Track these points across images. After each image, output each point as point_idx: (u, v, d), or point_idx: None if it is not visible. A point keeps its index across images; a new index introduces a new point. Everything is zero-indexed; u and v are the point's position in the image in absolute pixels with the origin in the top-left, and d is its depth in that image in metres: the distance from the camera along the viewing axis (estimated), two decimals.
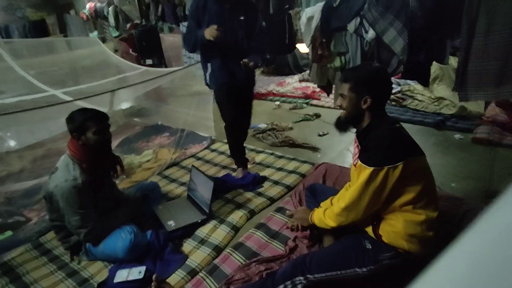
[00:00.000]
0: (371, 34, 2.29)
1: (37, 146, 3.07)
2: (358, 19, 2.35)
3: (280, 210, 2.08)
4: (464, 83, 2.11)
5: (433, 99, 3.69)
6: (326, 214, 1.49)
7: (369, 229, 1.39)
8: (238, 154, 2.58)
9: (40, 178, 2.61)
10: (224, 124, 2.49)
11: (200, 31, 2.10)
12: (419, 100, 3.74)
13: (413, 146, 1.31)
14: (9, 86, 4.08)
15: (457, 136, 2.89)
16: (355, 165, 1.41)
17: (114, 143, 3.27)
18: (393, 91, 4.11)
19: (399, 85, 4.27)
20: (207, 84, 2.36)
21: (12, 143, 2.73)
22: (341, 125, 1.44)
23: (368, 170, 1.26)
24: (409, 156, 1.25)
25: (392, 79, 4.27)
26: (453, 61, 3.39)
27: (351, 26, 2.41)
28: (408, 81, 4.11)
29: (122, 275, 1.63)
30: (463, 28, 2.01)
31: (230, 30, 2.12)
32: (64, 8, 11.92)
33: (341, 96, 1.38)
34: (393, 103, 3.77)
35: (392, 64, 2.32)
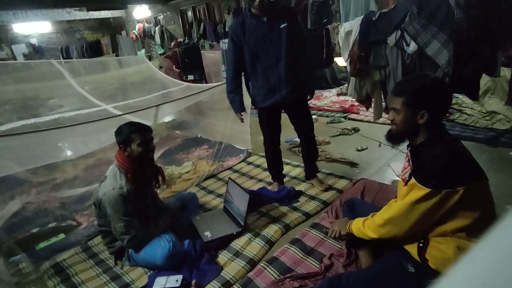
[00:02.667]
0: (412, 46, 2.23)
1: (89, 156, 3.33)
2: (399, 32, 2.30)
3: (315, 226, 2.04)
4: None
5: (484, 113, 3.44)
6: (366, 224, 1.39)
7: (413, 251, 1.28)
8: (274, 170, 2.58)
9: (91, 186, 2.82)
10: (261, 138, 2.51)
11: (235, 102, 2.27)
12: (468, 114, 3.51)
13: (476, 169, 1.18)
14: (68, 101, 4.51)
15: None
16: (404, 180, 1.33)
17: (157, 154, 3.44)
18: None
19: None
20: (240, 110, 2.32)
21: (68, 153, 3.00)
22: (393, 139, 1.33)
23: (424, 190, 1.13)
24: (471, 181, 1.13)
25: None
26: (507, 72, 3.15)
27: (391, 39, 2.36)
28: (456, 94, 3.89)
29: (160, 282, 1.70)
30: None
31: (271, 43, 2.08)
32: (117, 30, 13.01)
33: (394, 110, 1.27)
34: None
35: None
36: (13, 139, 2.23)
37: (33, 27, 12.16)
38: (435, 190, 1.12)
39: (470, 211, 1.16)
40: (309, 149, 2.51)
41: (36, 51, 12.18)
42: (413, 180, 1.20)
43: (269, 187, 2.60)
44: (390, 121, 1.31)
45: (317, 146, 3.21)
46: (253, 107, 2.42)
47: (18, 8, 9.19)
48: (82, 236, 2.23)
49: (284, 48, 2.08)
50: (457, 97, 3.92)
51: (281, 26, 2.06)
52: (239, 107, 2.29)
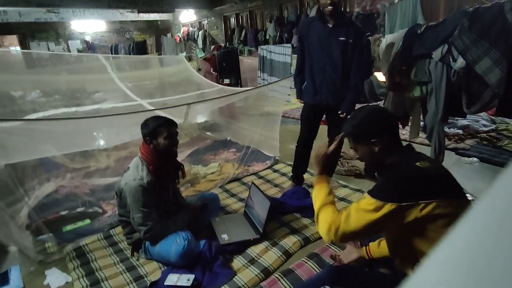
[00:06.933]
0: (460, 62, 2.07)
1: (121, 147, 3.46)
2: (446, 46, 2.15)
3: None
4: None
5: None
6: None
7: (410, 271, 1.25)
8: (298, 168, 2.65)
9: (120, 176, 2.91)
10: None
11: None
12: None
13: (440, 187, 1.13)
14: (111, 95, 4.76)
15: None
16: None
17: (186, 153, 3.51)
18: (486, 129, 3.62)
19: (494, 122, 3.75)
20: (298, 96, 2.52)
21: (102, 143, 3.14)
22: (368, 172, 1.40)
23: (368, 198, 1.15)
24: (426, 199, 1.09)
25: (485, 114, 3.78)
26: None
27: (436, 54, 2.22)
28: (506, 119, 3.59)
29: (172, 279, 1.69)
30: None
31: (327, 49, 2.23)
32: (163, 32, 13.65)
33: (353, 149, 1.35)
34: (485, 142, 3.30)
35: (484, 97, 2.05)
36: (56, 123, 2.37)
37: (89, 25, 13.08)
38: (378, 201, 1.12)
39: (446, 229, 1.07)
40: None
41: (89, 48, 13.09)
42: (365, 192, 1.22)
43: (285, 186, 2.71)
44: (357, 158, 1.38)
45: (347, 160, 3.11)
46: (285, 114, 2.54)
47: (77, 6, 9.94)
48: (105, 223, 2.30)
49: (335, 58, 2.23)
50: (508, 123, 3.62)
51: (341, 38, 2.19)
52: (297, 93, 2.52)
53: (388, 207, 1.10)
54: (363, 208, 1.14)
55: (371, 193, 1.16)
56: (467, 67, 2.04)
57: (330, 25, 2.21)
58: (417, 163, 1.16)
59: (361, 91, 2.42)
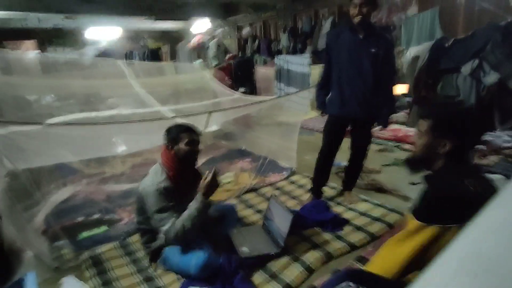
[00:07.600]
0: (492, 78, 2.01)
1: (137, 154, 3.45)
2: (477, 60, 2.10)
3: (361, 260, 1.87)
4: None
5: None
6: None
7: None
8: (318, 180, 2.59)
9: (135, 183, 2.88)
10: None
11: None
12: None
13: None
14: (125, 101, 4.77)
15: None
16: None
17: (201, 161, 3.47)
18: (509, 144, 3.52)
19: None
20: (319, 108, 2.47)
21: (119, 149, 3.12)
22: (410, 164, 1.27)
23: (415, 222, 1.08)
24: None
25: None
26: None
27: (466, 68, 2.16)
28: None
29: None
30: None
31: (357, 60, 2.17)
32: (177, 40, 13.81)
33: (418, 133, 1.21)
34: (510, 159, 3.19)
35: None
36: (73, 128, 2.37)
37: (104, 32, 13.32)
38: (425, 224, 1.05)
39: None
40: (356, 165, 2.57)
41: (104, 54, 13.30)
42: (410, 212, 1.15)
43: (303, 199, 2.65)
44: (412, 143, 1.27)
45: (367, 174, 3.04)
46: (304, 126, 2.51)
47: (94, 13, 10.13)
48: (122, 231, 2.26)
49: (365, 70, 2.17)
50: None
51: (371, 50, 2.14)
52: (319, 105, 2.46)
53: (433, 229, 1.04)
54: (408, 230, 1.08)
55: (416, 215, 1.09)
56: (500, 83, 1.98)
57: (361, 36, 2.15)
58: (466, 181, 1.07)
59: (394, 103, 2.46)
